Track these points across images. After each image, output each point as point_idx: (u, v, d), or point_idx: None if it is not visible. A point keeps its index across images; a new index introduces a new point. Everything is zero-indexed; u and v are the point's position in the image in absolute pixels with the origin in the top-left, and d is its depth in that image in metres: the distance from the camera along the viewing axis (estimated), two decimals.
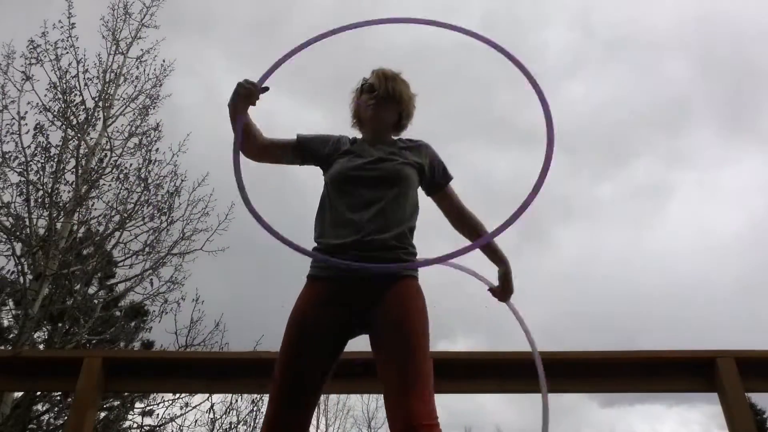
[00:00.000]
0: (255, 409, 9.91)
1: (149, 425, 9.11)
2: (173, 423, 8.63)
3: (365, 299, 1.73)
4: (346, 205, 1.83)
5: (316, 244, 1.87)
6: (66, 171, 8.87)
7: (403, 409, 1.49)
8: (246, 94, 1.83)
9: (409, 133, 2.13)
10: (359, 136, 2.09)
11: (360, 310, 1.74)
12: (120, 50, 10.29)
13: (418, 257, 1.86)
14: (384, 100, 1.98)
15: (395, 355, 1.60)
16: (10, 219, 8.29)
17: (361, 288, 1.74)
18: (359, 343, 1.83)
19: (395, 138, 2.07)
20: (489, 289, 2.06)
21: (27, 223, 8.25)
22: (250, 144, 1.93)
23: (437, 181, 2.02)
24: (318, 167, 2.03)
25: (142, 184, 9.22)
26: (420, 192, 2.01)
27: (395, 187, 1.85)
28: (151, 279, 9.14)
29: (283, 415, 1.64)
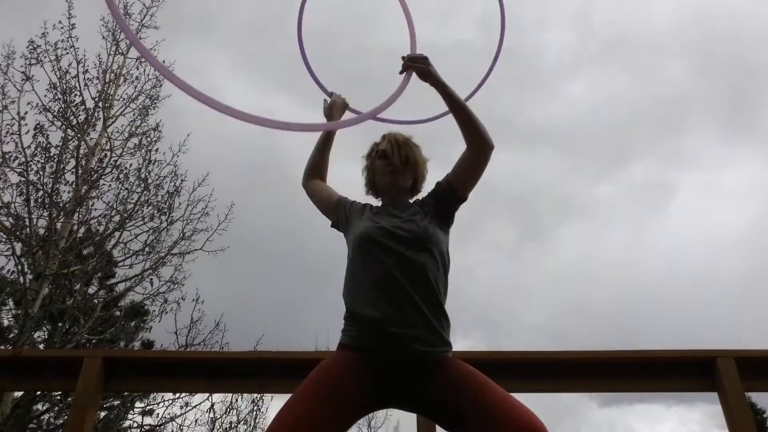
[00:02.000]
0: (255, 409, 9.93)
1: (149, 425, 9.12)
2: (173, 423, 8.64)
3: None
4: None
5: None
6: (66, 171, 8.89)
7: (519, 419, 1.46)
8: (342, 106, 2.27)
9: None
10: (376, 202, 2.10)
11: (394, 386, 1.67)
12: (120, 51, 10.30)
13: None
14: (399, 168, 1.99)
15: (480, 397, 1.54)
16: (10, 219, 8.30)
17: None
18: None
19: (411, 201, 2.05)
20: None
21: (27, 223, 8.26)
22: (324, 156, 2.19)
23: (446, 191, 1.94)
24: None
25: (142, 184, 9.23)
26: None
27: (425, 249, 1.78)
28: (151, 279, 9.17)
29: None
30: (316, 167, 2.17)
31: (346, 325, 1.76)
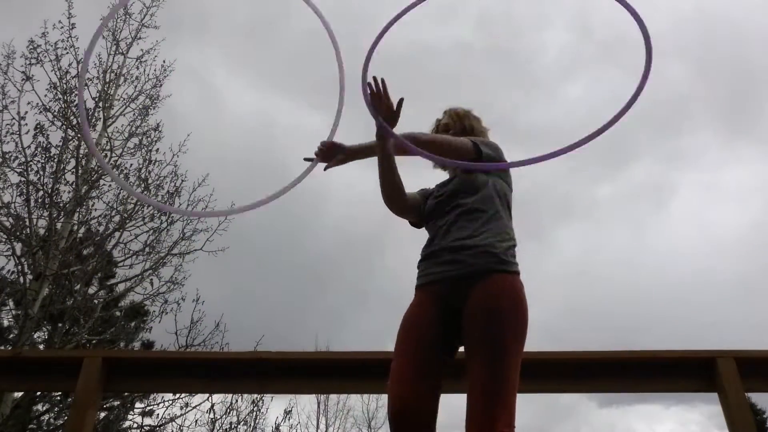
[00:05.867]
0: (255, 409, 9.93)
1: (149, 425, 9.11)
2: (173, 423, 8.63)
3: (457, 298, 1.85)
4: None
5: None
6: (66, 171, 8.87)
7: (483, 415, 1.58)
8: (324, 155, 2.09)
9: None
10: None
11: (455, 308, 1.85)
12: (120, 50, 10.28)
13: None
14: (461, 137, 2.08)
15: (479, 359, 1.67)
16: (10, 219, 8.29)
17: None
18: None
19: None
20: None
21: (27, 223, 8.24)
22: (397, 192, 2.09)
23: None
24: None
25: (142, 184, 9.23)
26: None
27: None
28: (151, 279, 9.15)
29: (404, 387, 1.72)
30: (397, 191, 2.10)
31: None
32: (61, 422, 8.94)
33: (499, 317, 1.71)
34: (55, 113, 9.18)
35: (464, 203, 1.96)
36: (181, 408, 8.59)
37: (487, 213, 1.94)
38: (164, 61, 10.46)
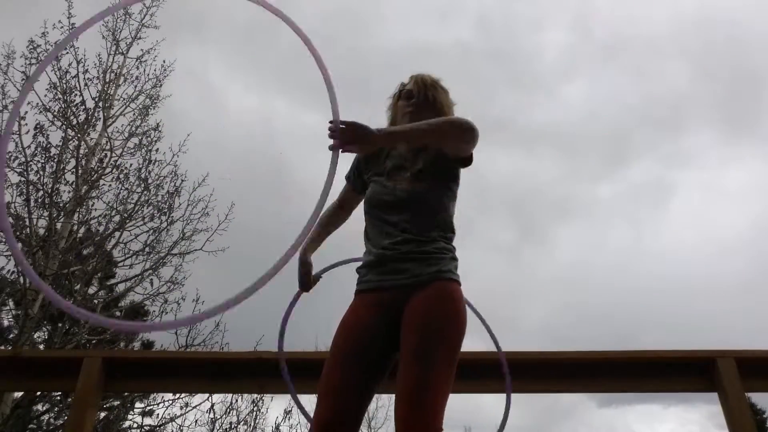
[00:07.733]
0: (255, 409, 9.94)
1: (149, 425, 9.12)
2: (173, 423, 8.64)
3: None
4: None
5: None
6: (66, 171, 8.88)
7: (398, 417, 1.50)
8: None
9: None
10: None
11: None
12: (120, 50, 10.29)
13: None
14: (422, 108, 1.90)
15: (404, 358, 1.59)
16: (10, 219, 8.29)
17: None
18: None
19: None
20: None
21: (27, 223, 8.25)
22: (339, 222, 2.13)
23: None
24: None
25: (142, 184, 9.23)
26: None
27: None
28: (151, 279, 9.15)
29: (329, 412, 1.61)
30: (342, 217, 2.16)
31: None
32: (61, 422, 8.94)
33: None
34: (55, 113, 9.18)
35: None
36: (181, 408, 8.60)
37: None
38: (164, 61, 10.48)
